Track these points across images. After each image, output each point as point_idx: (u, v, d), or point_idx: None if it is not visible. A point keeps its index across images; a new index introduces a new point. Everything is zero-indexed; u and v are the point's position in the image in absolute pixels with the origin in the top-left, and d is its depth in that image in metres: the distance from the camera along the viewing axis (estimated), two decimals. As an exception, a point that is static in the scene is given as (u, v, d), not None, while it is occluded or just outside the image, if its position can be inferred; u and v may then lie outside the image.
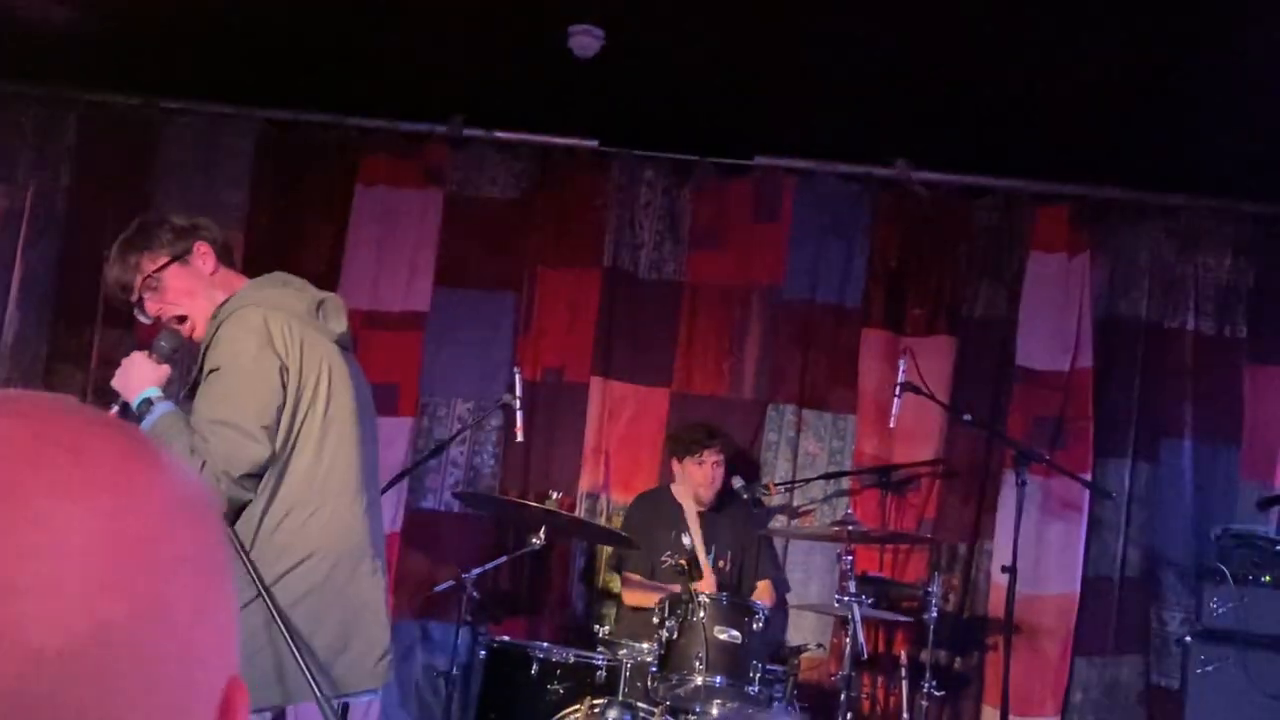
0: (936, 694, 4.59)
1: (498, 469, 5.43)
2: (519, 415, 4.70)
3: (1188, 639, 4.71)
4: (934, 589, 4.65)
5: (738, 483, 4.93)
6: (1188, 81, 4.37)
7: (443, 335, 5.48)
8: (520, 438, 4.81)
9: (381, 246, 5.50)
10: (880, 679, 5.12)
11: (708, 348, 5.46)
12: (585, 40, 4.52)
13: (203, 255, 3.00)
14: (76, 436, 0.59)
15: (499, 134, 5.54)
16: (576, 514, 5.18)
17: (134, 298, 2.98)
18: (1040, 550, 5.13)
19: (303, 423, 2.84)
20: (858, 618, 4.18)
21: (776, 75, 4.80)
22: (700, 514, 4.86)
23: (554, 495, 4.92)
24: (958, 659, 5.22)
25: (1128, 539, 5.21)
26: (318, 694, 2.55)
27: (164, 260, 2.96)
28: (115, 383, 2.88)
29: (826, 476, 5.32)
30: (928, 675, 4.57)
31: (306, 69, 5.20)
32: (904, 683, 4.63)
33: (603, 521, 5.23)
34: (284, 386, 2.80)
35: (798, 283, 5.44)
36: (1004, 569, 4.74)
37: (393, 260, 5.50)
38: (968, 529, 5.26)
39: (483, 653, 4.29)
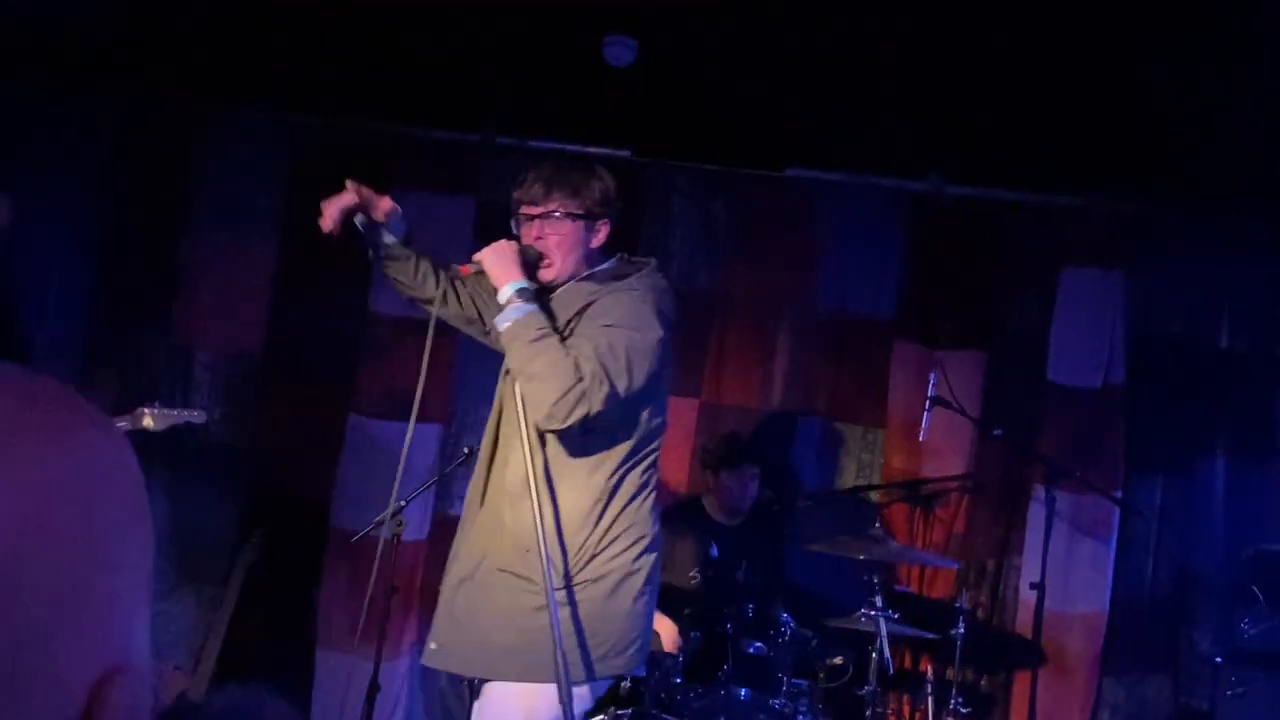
0: (963, 711, 4.56)
1: (526, 476, 5.44)
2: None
3: (1218, 660, 4.66)
4: (962, 605, 4.63)
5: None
6: (1224, 97, 4.34)
7: (474, 341, 5.48)
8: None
9: (414, 252, 5.53)
10: (906, 696, 5.10)
11: (738, 359, 5.46)
12: (619, 50, 4.54)
13: (601, 232, 3.10)
14: None
15: (532, 142, 5.55)
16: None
17: (531, 212, 3.07)
18: (1069, 567, 5.09)
19: (658, 415, 3.04)
20: (884, 633, 4.17)
21: (810, 87, 4.79)
22: (731, 527, 4.85)
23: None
24: (984, 677, 5.19)
25: (1158, 558, 5.17)
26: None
27: (577, 211, 3.04)
28: (485, 257, 2.97)
29: (855, 489, 5.30)
30: (954, 693, 4.55)
31: (342, 75, 5.23)
32: (930, 700, 4.61)
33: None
34: (657, 380, 2.98)
35: (829, 295, 5.42)
36: (1032, 586, 4.72)
37: (425, 267, 5.52)
38: (996, 545, 5.23)
39: (508, 660, 4.29)
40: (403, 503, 4.47)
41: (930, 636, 4.58)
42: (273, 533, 5.36)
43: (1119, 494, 5.07)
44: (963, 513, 5.24)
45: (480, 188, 5.58)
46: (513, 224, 3.12)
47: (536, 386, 2.81)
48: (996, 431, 4.93)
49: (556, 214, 3.03)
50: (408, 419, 5.36)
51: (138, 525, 0.62)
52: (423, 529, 5.35)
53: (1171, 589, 5.14)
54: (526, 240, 3.05)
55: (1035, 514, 5.09)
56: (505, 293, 2.90)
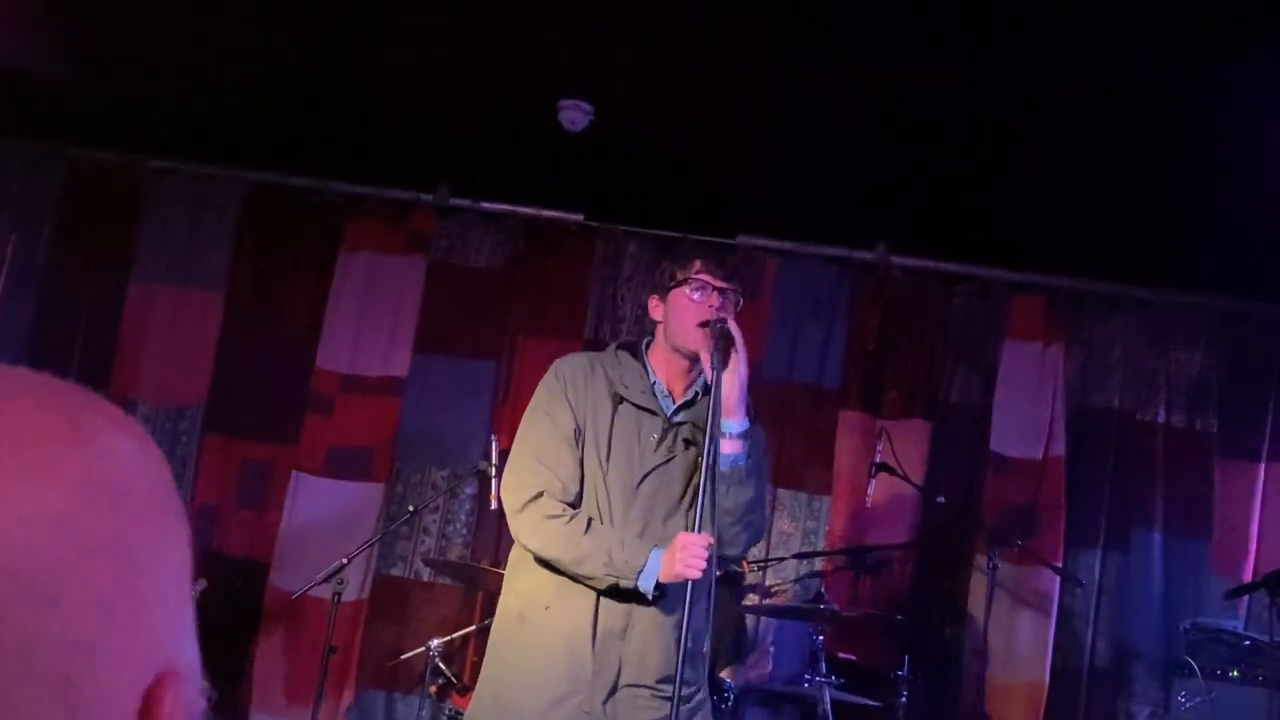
0: (905, 780, 4.54)
1: (469, 537, 5.40)
2: (494, 483, 4.68)
3: (1156, 732, 4.70)
4: (904, 673, 4.63)
5: None
6: (1162, 178, 4.46)
7: (420, 401, 5.47)
8: (494, 505, 4.78)
9: (363, 311, 5.52)
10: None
11: (685, 423, 5.47)
12: (574, 115, 4.59)
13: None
14: None
15: (485, 204, 5.59)
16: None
17: (720, 285, 2.96)
18: (1010, 637, 5.12)
19: None
20: (828, 700, 4.16)
21: (762, 156, 4.87)
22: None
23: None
24: (927, 746, 5.17)
25: (1097, 629, 5.21)
26: None
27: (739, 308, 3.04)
28: (741, 364, 2.85)
29: (800, 556, 5.30)
30: (896, 761, 4.53)
31: (295, 133, 5.24)
32: (873, 768, 4.58)
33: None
34: None
35: (776, 362, 5.46)
36: (974, 655, 4.73)
37: (373, 325, 5.51)
38: (939, 613, 5.25)
39: (447, 724, 4.23)
40: (344, 561, 4.41)
41: (873, 705, 4.57)
42: (209, 591, 5.25)
43: (1059, 564, 5.12)
44: (907, 580, 5.25)
45: (432, 248, 5.60)
46: (687, 289, 2.96)
47: (741, 530, 2.92)
48: (940, 499, 4.97)
49: (735, 298, 2.98)
50: (351, 477, 5.40)
51: (172, 526, 0.62)
52: (363, 589, 5.28)
53: (1110, 660, 5.18)
54: (704, 306, 2.93)
55: (977, 583, 5.12)
56: (741, 426, 2.86)
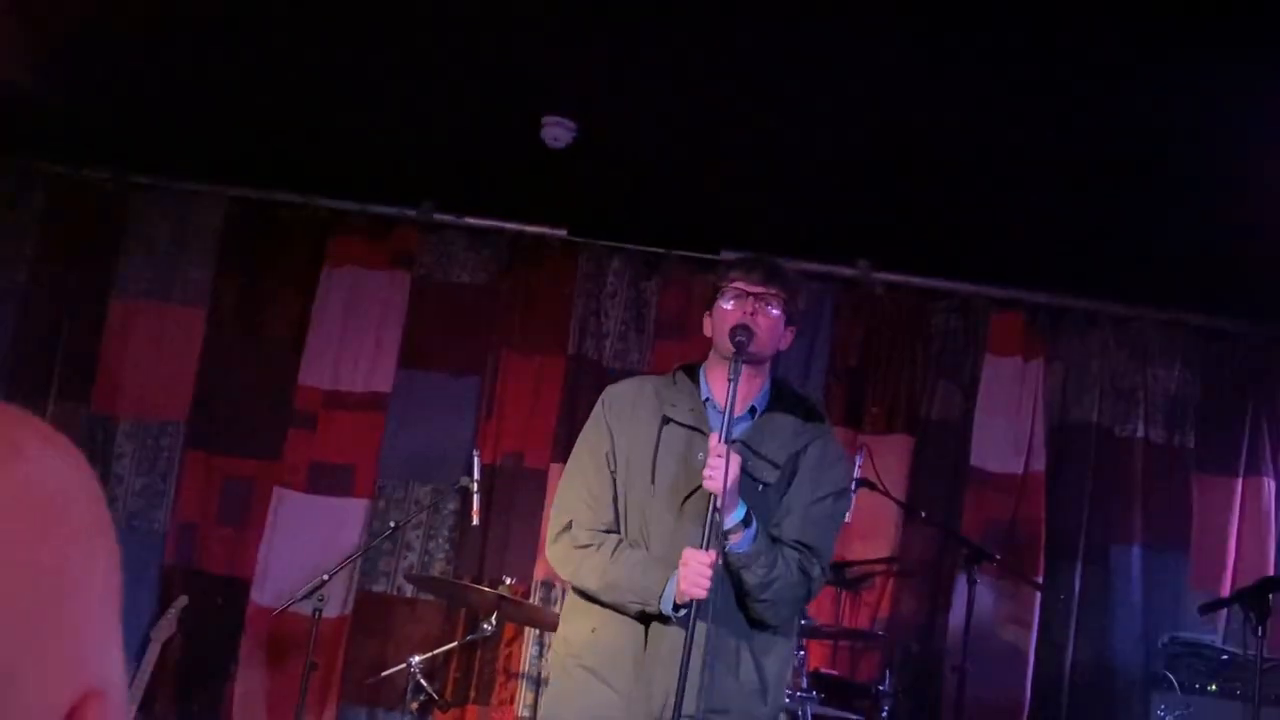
0: (886, 795, 4.55)
1: (452, 553, 5.40)
2: (476, 499, 4.69)
3: (1136, 746, 4.71)
4: (886, 688, 4.64)
5: None
6: (1141, 196, 4.51)
7: (404, 417, 5.47)
8: (476, 521, 4.79)
9: (346, 327, 5.52)
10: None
11: (668, 438, 5.47)
12: (557, 131, 4.60)
13: (788, 336, 3.15)
14: None
15: (469, 220, 5.60)
16: (530, 601, 5.14)
17: (752, 290, 3.02)
18: (991, 652, 5.13)
19: None
20: (809, 716, 4.17)
21: (744, 173, 4.90)
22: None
23: (508, 581, 4.88)
24: (908, 760, 5.18)
25: (1077, 644, 5.23)
26: None
27: (787, 306, 3.07)
28: (717, 483, 2.84)
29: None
30: (878, 776, 4.54)
31: (279, 148, 5.25)
32: (855, 783, 4.59)
33: (557, 610, 5.19)
34: None
35: (758, 377, 5.47)
36: (953, 669, 4.75)
37: (357, 341, 5.51)
38: (920, 628, 5.27)
39: (430, 741, 4.23)
40: (325, 577, 4.40)
41: (855, 719, 4.58)
42: (190, 607, 5.24)
43: (1039, 579, 5.14)
44: (888, 595, 5.27)
45: (416, 264, 5.60)
46: (721, 300, 3.06)
47: (768, 606, 2.92)
48: (921, 514, 4.99)
49: (773, 302, 3.04)
50: (334, 493, 5.39)
51: (104, 546, 0.60)
52: (346, 605, 5.27)
53: (1090, 675, 5.20)
54: (737, 313, 3.01)
55: (959, 598, 5.13)
56: (736, 516, 2.87)
